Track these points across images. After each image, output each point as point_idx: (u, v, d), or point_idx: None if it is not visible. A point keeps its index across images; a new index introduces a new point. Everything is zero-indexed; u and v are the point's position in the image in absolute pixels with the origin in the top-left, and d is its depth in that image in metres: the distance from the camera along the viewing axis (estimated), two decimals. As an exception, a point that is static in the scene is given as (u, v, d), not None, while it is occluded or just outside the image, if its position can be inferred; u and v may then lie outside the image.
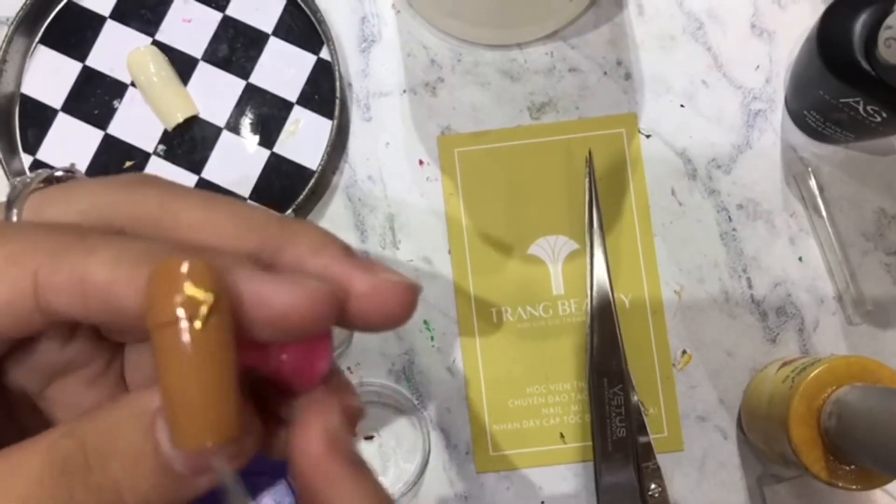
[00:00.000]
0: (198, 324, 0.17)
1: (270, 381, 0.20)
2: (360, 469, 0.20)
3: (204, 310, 0.17)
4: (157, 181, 0.22)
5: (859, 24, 0.44)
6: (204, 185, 0.54)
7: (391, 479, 0.51)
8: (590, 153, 0.53)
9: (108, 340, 0.23)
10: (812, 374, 0.42)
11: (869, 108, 0.45)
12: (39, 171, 0.23)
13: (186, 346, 0.17)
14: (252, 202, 0.20)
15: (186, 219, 0.20)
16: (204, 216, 0.20)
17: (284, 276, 0.19)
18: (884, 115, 0.45)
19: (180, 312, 0.17)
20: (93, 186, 0.21)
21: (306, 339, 0.20)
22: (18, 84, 0.55)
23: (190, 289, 0.17)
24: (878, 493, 0.49)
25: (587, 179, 0.52)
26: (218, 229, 0.20)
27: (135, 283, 0.18)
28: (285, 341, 0.19)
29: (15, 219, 0.21)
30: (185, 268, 0.17)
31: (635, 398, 0.50)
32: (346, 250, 0.20)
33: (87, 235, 0.19)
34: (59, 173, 0.23)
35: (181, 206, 0.21)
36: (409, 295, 0.20)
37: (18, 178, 0.22)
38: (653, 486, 0.50)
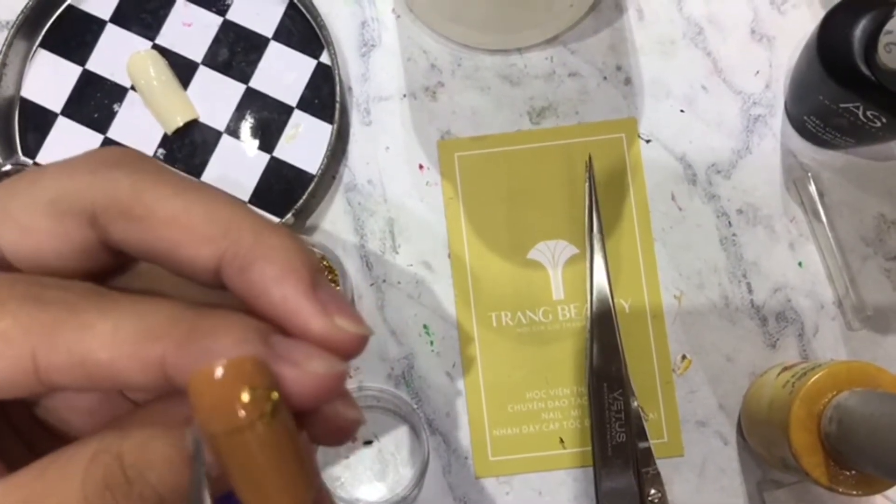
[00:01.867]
0: (267, 420, 0.17)
1: None
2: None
3: (269, 406, 0.17)
4: (128, 160, 0.21)
5: (859, 30, 0.44)
6: (203, 188, 0.53)
7: (390, 484, 0.51)
8: (590, 158, 0.53)
9: None
10: (812, 379, 0.42)
11: (869, 113, 0.45)
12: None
13: (262, 447, 0.17)
14: (230, 194, 0.19)
15: (160, 209, 0.20)
16: (178, 209, 0.20)
17: (302, 359, 0.19)
18: (883, 120, 0.45)
19: (244, 415, 0.17)
20: (58, 172, 0.21)
21: None
22: (18, 87, 0.55)
23: (249, 392, 0.17)
24: (878, 499, 0.49)
25: (587, 184, 0.52)
26: (192, 227, 0.20)
27: (138, 361, 0.18)
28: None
29: None
30: (229, 366, 0.17)
31: (635, 404, 0.50)
32: (311, 279, 0.20)
33: (79, 309, 0.18)
34: (7, 168, 0.23)
35: (155, 195, 0.20)
36: (357, 344, 0.20)
37: None
38: (652, 491, 0.49)
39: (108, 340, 0.18)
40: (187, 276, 0.20)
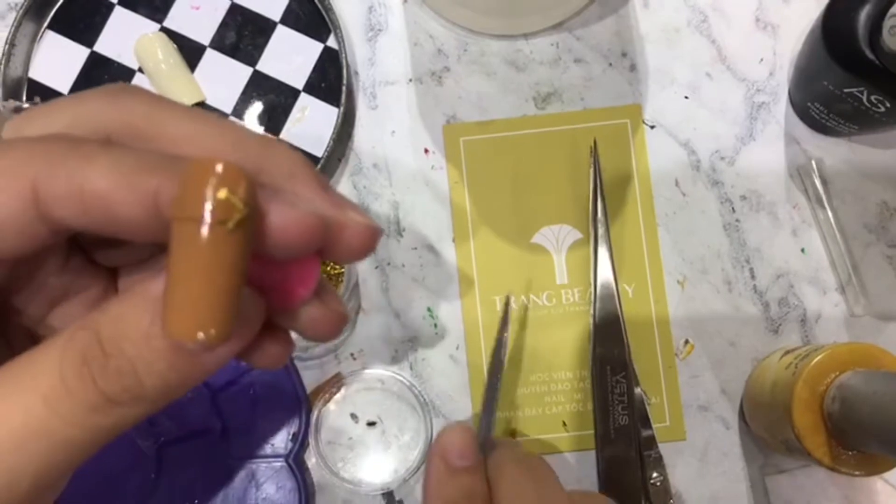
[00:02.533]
0: (230, 225, 0.17)
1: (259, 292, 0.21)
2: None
3: (237, 217, 0.17)
4: (139, 91, 0.22)
5: (864, 14, 0.44)
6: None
7: (394, 465, 0.51)
8: (594, 143, 0.53)
9: (101, 267, 0.24)
10: (815, 360, 0.42)
11: (873, 97, 0.46)
12: (6, 101, 0.23)
13: (210, 244, 0.17)
14: (235, 119, 0.21)
15: (172, 131, 0.21)
16: (189, 129, 0.21)
17: (292, 200, 0.20)
18: (887, 104, 0.45)
19: (210, 211, 0.17)
20: (74, 100, 0.21)
21: (298, 260, 0.21)
22: (26, 69, 0.55)
23: (227, 193, 0.17)
24: (878, 483, 0.49)
25: (592, 169, 0.53)
26: (202, 143, 0.21)
27: (134, 191, 0.18)
28: (281, 257, 0.20)
29: None
30: (221, 169, 0.18)
31: (638, 389, 0.50)
32: (319, 179, 0.21)
33: (81, 143, 0.19)
34: (26, 105, 0.23)
35: (166, 118, 0.21)
36: (371, 235, 0.21)
37: None
38: (654, 474, 0.50)
39: (106, 171, 0.18)
40: None
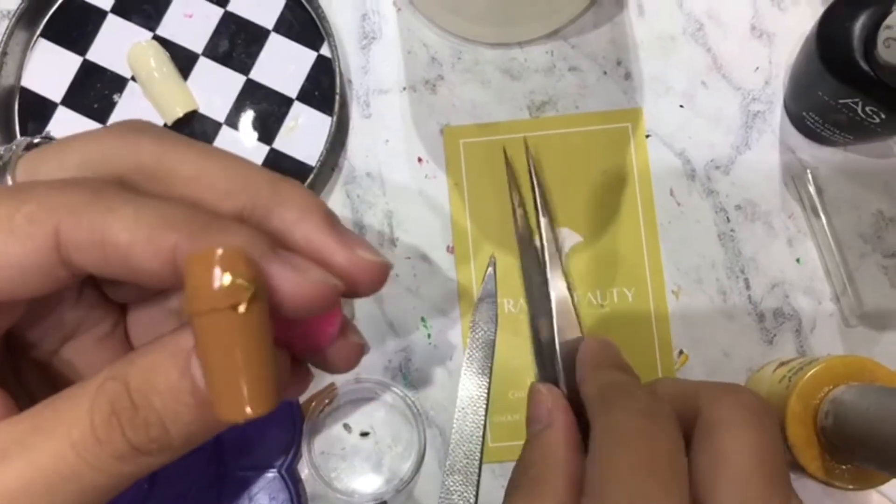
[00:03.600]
0: (242, 308, 0.18)
1: (285, 345, 0.22)
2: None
3: (246, 296, 0.18)
4: (150, 129, 0.22)
5: (858, 25, 0.44)
6: (203, 179, 0.54)
7: (387, 475, 0.51)
8: (526, 144, 0.52)
9: (112, 302, 0.24)
10: (809, 374, 0.42)
11: (868, 108, 0.45)
12: (18, 139, 0.23)
13: (230, 331, 0.18)
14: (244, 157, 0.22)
15: (183, 171, 0.21)
16: (199, 169, 0.21)
17: (302, 267, 0.20)
18: (882, 115, 0.45)
19: (220, 300, 0.18)
20: (85, 139, 0.22)
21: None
22: (18, 77, 0.55)
23: (232, 278, 0.18)
24: (873, 495, 0.49)
25: (530, 176, 0.52)
26: (212, 184, 0.21)
27: (154, 245, 0.19)
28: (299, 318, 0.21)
29: (10, 182, 0.21)
30: (221, 255, 0.18)
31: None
32: (329, 219, 0.22)
33: (103, 192, 0.19)
34: (36, 140, 0.24)
35: (177, 158, 0.21)
36: (380, 272, 0.22)
37: (2, 147, 0.22)
38: None
39: (128, 223, 0.19)
40: None
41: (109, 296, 0.24)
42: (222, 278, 0.18)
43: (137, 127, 0.22)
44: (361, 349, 0.23)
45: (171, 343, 0.20)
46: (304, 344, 0.22)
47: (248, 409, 0.18)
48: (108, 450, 0.19)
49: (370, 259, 0.22)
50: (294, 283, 0.19)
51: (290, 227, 0.21)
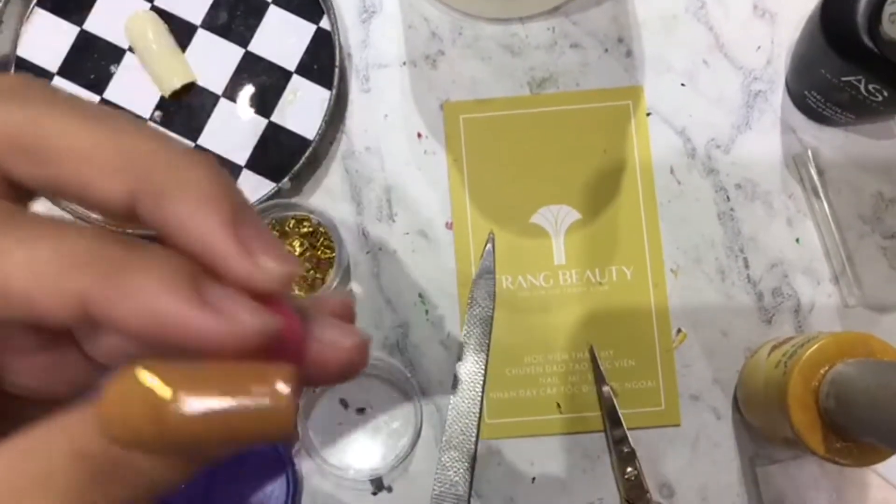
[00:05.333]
0: (178, 412, 0.16)
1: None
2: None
3: (173, 407, 0.16)
4: (23, 90, 0.19)
5: (863, 2, 0.43)
6: (200, 152, 0.53)
7: (383, 452, 0.51)
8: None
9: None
10: (804, 356, 0.42)
11: (871, 86, 0.45)
12: None
13: (176, 435, 0.16)
14: (145, 125, 0.17)
15: (61, 142, 0.18)
16: (81, 140, 0.18)
17: (230, 311, 0.17)
18: (885, 93, 0.45)
19: (145, 426, 0.16)
20: None
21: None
22: (14, 47, 0.54)
23: (158, 398, 0.16)
24: (869, 475, 0.49)
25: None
26: (95, 159, 0.18)
27: (59, 293, 0.16)
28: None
29: None
30: (146, 382, 0.16)
31: (606, 388, 0.50)
32: (232, 215, 0.18)
33: None
34: None
35: (54, 126, 0.18)
36: (284, 282, 0.19)
37: None
38: (629, 469, 0.49)
39: (24, 268, 0.16)
40: (101, 213, 0.19)
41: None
42: (139, 413, 0.16)
43: (6, 88, 0.18)
44: (356, 348, 0.20)
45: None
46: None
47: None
48: None
49: (273, 270, 0.18)
50: (220, 333, 0.17)
51: (184, 220, 0.18)
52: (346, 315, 0.21)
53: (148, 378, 0.16)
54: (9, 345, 0.20)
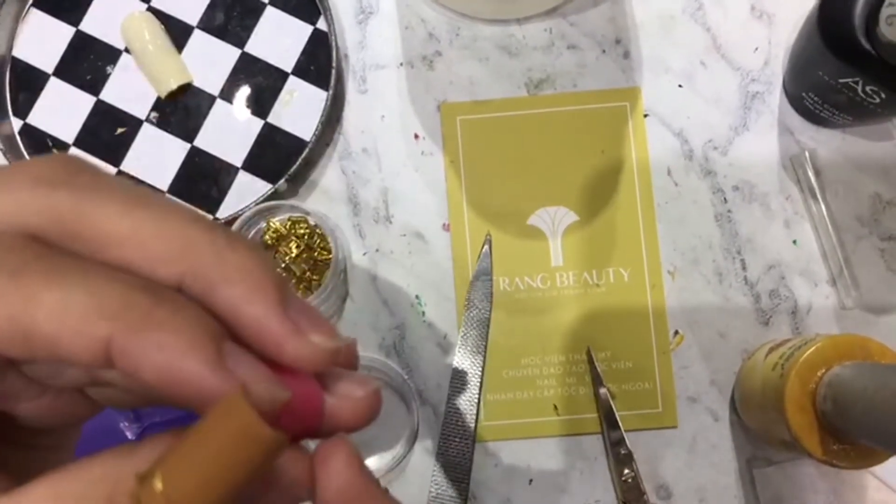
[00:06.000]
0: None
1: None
2: (380, 487, 0.20)
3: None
4: (70, 175, 0.19)
5: (861, 3, 0.43)
6: (197, 153, 0.53)
7: (379, 454, 0.51)
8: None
9: None
10: (801, 359, 0.42)
11: (868, 88, 0.45)
12: None
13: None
14: (182, 203, 0.17)
15: (108, 229, 0.18)
16: (127, 228, 0.18)
17: (256, 377, 0.18)
18: (882, 95, 0.45)
19: None
20: None
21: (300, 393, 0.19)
22: (10, 47, 0.54)
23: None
24: (866, 476, 0.49)
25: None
26: (144, 247, 0.18)
27: (84, 338, 0.17)
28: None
29: None
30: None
31: (603, 390, 0.50)
32: (281, 298, 0.19)
33: (21, 273, 0.17)
34: None
35: (100, 214, 0.18)
36: (332, 360, 0.19)
37: None
38: (626, 471, 0.49)
39: (54, 313, 0.17)
40: None
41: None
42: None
43: (54, 172, 0.19)
44: (371, 400, 0.20)
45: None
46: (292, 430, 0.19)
47: None
48: None
49: (325, 346, 0.19)
50: (256, 399, 0.17)
51: (237, 307, 0.18)
52: (351, 357, 0.21)
53: None
54: (13, 391, 0.20)
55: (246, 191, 0.52)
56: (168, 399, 0.18)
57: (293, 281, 0.50)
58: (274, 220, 0.51)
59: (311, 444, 0.20)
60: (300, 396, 0.19)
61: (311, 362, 0.19)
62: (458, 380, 0.50)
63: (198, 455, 0.16)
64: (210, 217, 0.52)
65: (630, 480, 0.49)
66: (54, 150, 0.53)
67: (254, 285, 0.19)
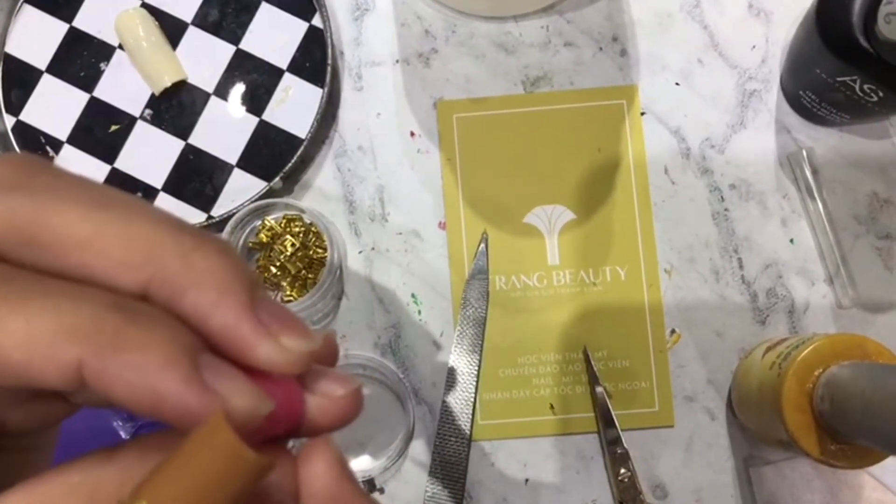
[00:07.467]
0: None
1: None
2: (362, 490, 0.19)
3: None
4: (28, 178, 0.18)
5: (858, 1, 0.43)
6: (191, 151, 0.53)
7: (375, 453, 0.50)
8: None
9: None
10: (799, 358, 0.41)
11: (866, 86, 0.45)
12: None
13: None
14: (154, 206, 0.16)
15: (67, 234, 0.17)
16: (88, 232, 0.17)
17: (235, 389, 0.17)
18: (880, 94, 0.45)
19: None
20: None
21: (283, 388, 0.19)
22: (3, 43, 0.54)
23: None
24: (863, 476, 0.49)
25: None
26: (106, 252, 0.17)
27: (54, 362, 0.16)
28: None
29: None
30: None
31: (599, 388, 0.50)
32: (250, 301, 0.18)
33: None
34: None
35: (59, 218, 0.17)
36: (306, 363, 0.19)
37: None
38: (622, 470, 0.49)
39: (21, 340, 0.16)
40: None
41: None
42: None
43: (10, 175, 0.18)
44: (352, 399, 0.20)
45: None
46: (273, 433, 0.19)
47: None
48: None
49: (299, 350, 0.18)
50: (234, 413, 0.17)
51: (205, 313, 0.18)
52: (331, 352, 0.21)
53: None
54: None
55: (241, 189, 0.52)
56: (147, 416, 0.17)
57: (288, 279, 0.50)
58: (269, 218, 0.50)
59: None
60: (280, 400, 0.18)
61: (285, 367, 0.18)
62: (453, 379, 0.50)
63: (182, 479, 0.16)
64: (205, 214, 0.52)
65: (626, 480, 0.49)
66: (48, 148, 0.53)
67: (222, 289, 0.18)
